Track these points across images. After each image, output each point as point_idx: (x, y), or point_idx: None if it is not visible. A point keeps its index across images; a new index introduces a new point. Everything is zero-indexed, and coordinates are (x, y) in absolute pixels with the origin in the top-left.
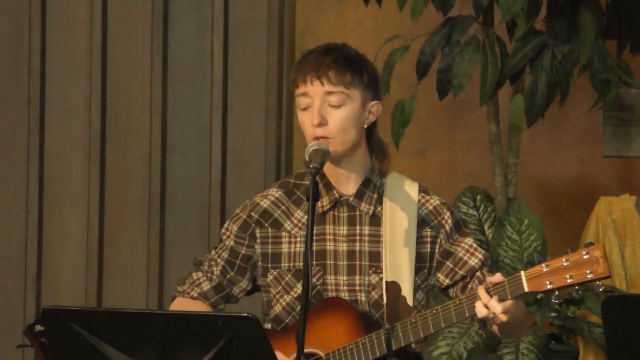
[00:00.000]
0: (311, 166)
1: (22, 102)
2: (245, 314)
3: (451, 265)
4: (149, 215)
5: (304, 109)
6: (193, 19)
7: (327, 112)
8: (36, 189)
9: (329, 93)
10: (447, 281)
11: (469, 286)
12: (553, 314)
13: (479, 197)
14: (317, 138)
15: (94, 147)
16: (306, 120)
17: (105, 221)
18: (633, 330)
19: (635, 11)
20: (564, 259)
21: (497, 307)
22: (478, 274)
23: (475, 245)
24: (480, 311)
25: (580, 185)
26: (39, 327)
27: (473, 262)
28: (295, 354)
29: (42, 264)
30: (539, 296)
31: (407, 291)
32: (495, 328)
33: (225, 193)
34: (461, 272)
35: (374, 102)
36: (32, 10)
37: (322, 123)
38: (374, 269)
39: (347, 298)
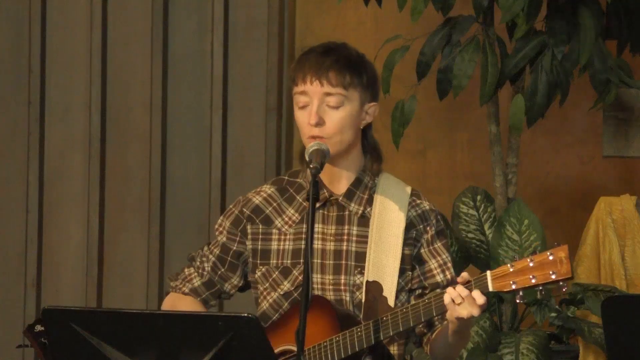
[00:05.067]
0: (311, 166)
1: (22, 102)
2: (245, 314)
3: (419, 272)
4: (149, 215)
5: (302, 107)
6: (193, 19)
7: (324, 113)
8: (36, 189)
9: (328, 94)
10: (408, 285)
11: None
12: (553, 314)
13: (479, 197)
14: (313, 137)
15: (94, 147)
16: (303, 118)
17: (105, 221)
18: (633, 330)
19: (635, 11)
20: (529, 260)
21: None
22: (438, 290)
23: (449, 264)
24: (447, 298)
25: (580, 185)
26: (39, 327)
27: (439, 278)
28: (280, 348)
29: (42, 264)
30: (539, 296)
31: (389, 292)
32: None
33: (225, 193)
34: (424, 283)
35: (372, 104)
36: (32, 10)
37: (320, 123)
38: (359, 269)
39: (332, 297)
